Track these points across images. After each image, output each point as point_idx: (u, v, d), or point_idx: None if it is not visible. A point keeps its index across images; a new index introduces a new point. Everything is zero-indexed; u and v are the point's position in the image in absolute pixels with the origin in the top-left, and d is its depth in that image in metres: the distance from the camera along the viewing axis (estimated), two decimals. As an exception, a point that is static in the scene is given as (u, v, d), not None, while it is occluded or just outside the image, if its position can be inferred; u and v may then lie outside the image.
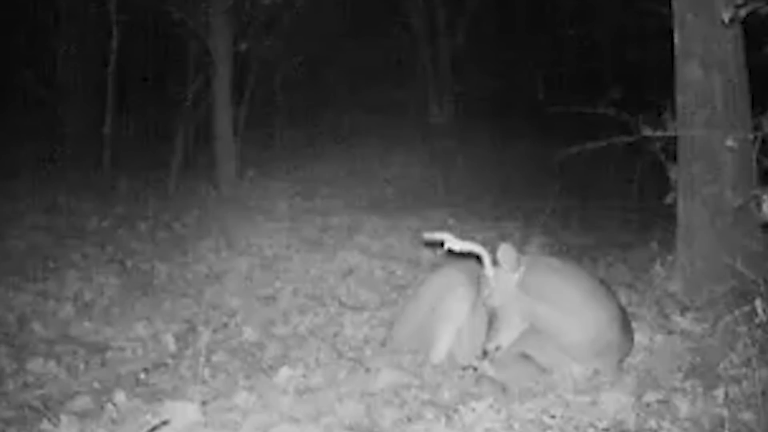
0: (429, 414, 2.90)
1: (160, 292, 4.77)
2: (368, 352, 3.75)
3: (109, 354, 3.86)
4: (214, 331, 4.05)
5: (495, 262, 3.19)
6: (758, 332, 3.34)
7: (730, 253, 3.92)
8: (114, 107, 8.60)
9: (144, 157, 9.02)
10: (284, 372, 3.41)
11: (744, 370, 3.11)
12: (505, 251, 3.15)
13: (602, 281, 3.43)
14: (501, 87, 11.90)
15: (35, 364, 3.68)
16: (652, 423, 2.78)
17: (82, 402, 3.26)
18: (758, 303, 3.20)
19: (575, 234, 6.03)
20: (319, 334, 4.05)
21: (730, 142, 3.90)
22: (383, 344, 3.77)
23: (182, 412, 2.92)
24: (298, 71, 11.47)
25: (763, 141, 3.89)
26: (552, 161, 5.86)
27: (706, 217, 4.09)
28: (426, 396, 3.11)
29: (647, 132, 4.25)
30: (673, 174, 4.28)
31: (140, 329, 4.14)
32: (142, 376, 3.57)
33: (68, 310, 4.44)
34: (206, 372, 3.50)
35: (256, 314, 4.36)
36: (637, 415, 2.82)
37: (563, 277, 3.22)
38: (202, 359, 3.62)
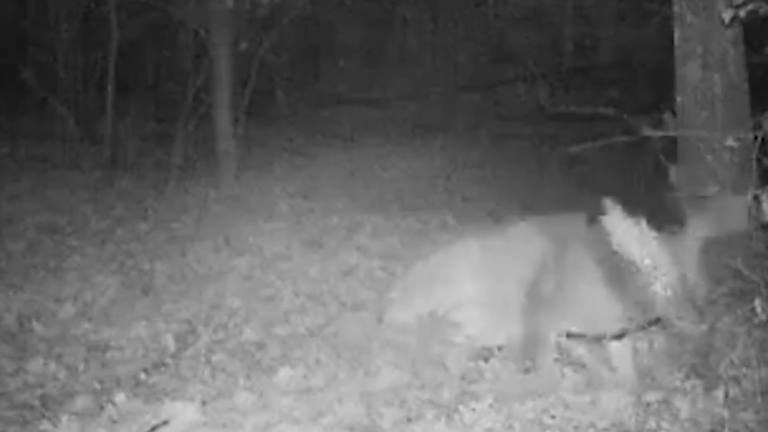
0: (429, 414, 2.90)
1: (160, 292, 4.77)
2: (368, 352, 3.74)
3: (109, 354, 3.86)
4: (214, 331, 4.05)
5: None
6: (758, 332, 3.34)
7: (730, 253, 3.92)
8: (114, 107, 8.59)
9: (144, 157, 9.01)
10: (284, 372, 3.41)
11: (744, 370, 3.11)
12: None
13: None
14: (501, 84, 11.92)
15: (35, 364, 3.68)
16: (652, 423, 2.78)
17: (82, 402, 3.25)
18: (758, 303, 3.20)
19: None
20: (319, 334, 4.04)
21: (730, 142, 3.90)
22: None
23: (182, 412, 2.92)
24: (299, 69, 11.50)
25: (763, 141, 3.89)
26: (552, 162, 5.87)
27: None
28: (426, 396, 3.11)
29: (647, 132, 4.25)
30: (673, 174, 4.28)
31: (140, 329, 4.13)
32: (142, 376, 3.56)
33: (68, 310, 4.43)
34: (206, 372, 3.50)
35: (256, 314, 4.36)
36: (637, 415, 2.82)
37: None
38: (202, 359, 3.63)
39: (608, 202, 2.81)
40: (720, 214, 3.23)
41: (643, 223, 2.75)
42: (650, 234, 2.73)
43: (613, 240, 2.80)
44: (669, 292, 2.68)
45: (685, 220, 2.87)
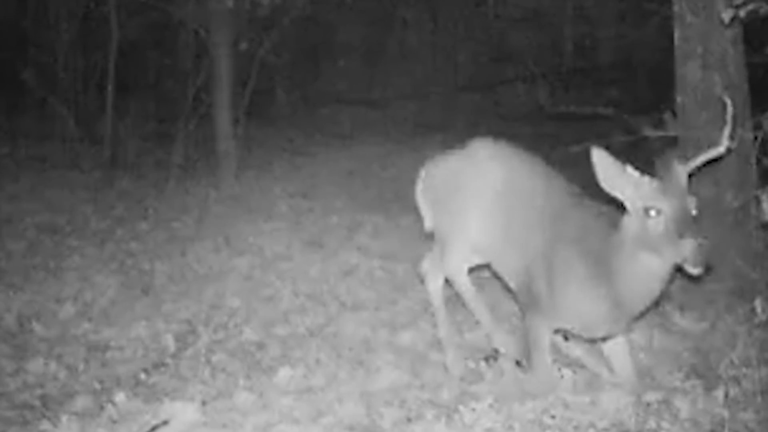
0: (429, 414, 2.91)
1: (160, 292, 4.77)
2: (368, 352, 3.75)
3: (109, 354, 3.87)
4: (214, 331, 4.05)
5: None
6: (758, 332, 3.34)
7: (730, 252, 3.92)
8: (114, 107, 8.60)
9: (144, 157, 9.02)
10: (284, 372, 3.41)
11: (744, 370, 3.12)
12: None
13: None
14: (501, 84, 11.92)
15: (35, 364, 3.68)
16: (652, 423, 2.78)
17: (82, 402, 3.26)
18: (758, 303, 3.21)
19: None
20: (319, 334, 4.05)
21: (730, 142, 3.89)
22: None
23: (182, 412, 2.93)
24: (299, 69, 11.50)
25: (763, 141, 3.89)
26: (552, 161, 5.83)
27: (706, 218, 4.08)
28: (426, 396, 3.11)
29: (647, 132, 4.25)
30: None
31: (140, 329, 4.14)
32: (142, 376, 3.57)
33: (68, 310, 4.44)
34: (206, 372, 3.50)
35: (256, 314, 4.36)
36: (637, 415, 2.82)
37: None
38: (202, 359, 3.63)
39: (595, 148, 2.80)
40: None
41: (629, 166, 2.76)
42: (639, 176, 2.74)
43: (603, 185, 2.79)
44: (662, 226, 2.65)
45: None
